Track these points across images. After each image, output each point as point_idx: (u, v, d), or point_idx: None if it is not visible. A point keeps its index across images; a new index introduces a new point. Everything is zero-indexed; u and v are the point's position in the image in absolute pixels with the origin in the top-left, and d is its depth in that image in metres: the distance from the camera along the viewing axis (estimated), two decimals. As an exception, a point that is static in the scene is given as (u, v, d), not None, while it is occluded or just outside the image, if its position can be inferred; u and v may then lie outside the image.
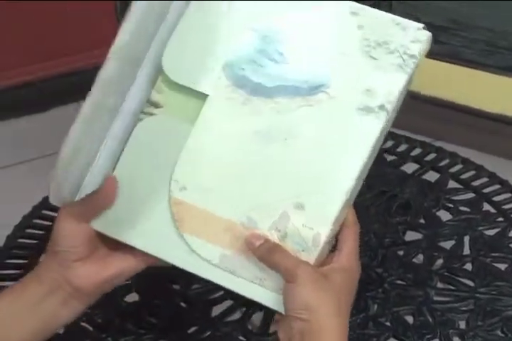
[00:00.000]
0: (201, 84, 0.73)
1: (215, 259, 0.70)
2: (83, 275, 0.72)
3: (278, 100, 0.71)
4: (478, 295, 0.90)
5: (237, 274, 0.70)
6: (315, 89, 0.70)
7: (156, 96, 0.75)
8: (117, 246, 0.74)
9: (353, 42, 0.71)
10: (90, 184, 0.72)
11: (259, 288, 0.70)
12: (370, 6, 0.72)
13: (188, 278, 0.90)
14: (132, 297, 0.91)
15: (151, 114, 0.74)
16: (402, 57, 0.70)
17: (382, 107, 0.69)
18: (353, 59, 0.70)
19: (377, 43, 0.70)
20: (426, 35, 0.71)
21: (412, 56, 0.70)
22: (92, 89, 0.71)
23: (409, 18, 0.72)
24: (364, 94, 0.70)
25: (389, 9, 0.71)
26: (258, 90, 0.71)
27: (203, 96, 0.73)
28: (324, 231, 0.69)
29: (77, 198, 0.72)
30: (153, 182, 0.73)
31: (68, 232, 0.72)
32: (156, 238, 0.72)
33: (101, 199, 0.73)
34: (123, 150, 0.74)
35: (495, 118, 1.94)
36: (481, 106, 1.95)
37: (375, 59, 0.70)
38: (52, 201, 0.72)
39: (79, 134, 0.71)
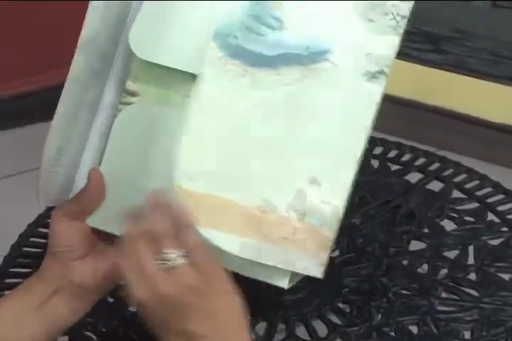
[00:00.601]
0: (183, 60, 0.68)
1: (235, 249, 0.67)
2: (83, 272, 0.72)
3: (280, 71, 0.66)
4: (482, 305, 0.90)
5: (262, 261, 0.66)
6: (318, 56, 0.66)
7: (131, 86, 0.72)
8: (114, 241, 0.72)
9: (349, 4, 0.67)
10: (81, 182, 0.72)
11: (286, 272, 0.67)
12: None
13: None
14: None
15: (129, 103, 0.72)
16: (395, 19, 0.67)
17: (381, 72, 0.67)
18: (350, 22, 0.67)
19: (372, 4, 0.67)
20: None
21: (403, 17, 0.67)
22: (65, 85, 0.70)
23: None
24: (365, 58, 0.67)
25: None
26: (256, 60, 0.66)
27: (183, 77, 0.69)
28: (341, 203, 0.66)
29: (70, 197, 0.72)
30: (146, 172, 0.70)
31: (63, 232, 0.72)
32: None
33: (89, 195, 0.72)
34: (106, 143, 0.72)
35: (499, 128, 1.94)
36: (485, 116, 1.95)
37: (372, 21, 0.67)
38: (41, 202, 0.72)
39: (59, 132, 0.70)
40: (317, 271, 0.67)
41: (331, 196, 0.66)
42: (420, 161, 1.13)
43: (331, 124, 0.66)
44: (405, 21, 0.68)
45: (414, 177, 1.10)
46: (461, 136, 1.97)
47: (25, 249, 1.00)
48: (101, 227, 0.72)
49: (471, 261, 0.97)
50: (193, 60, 0.69)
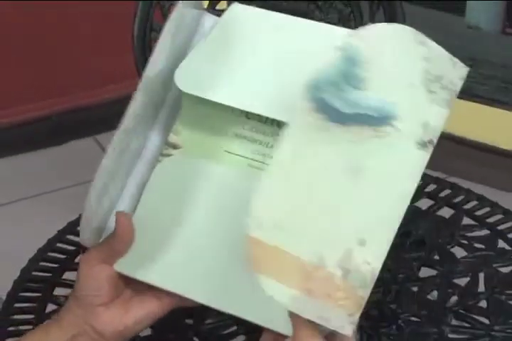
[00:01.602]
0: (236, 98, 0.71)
1: (285, 300, 0.66)
2: (107, 320, 0.70)
3: (352, 129, 0.67)
4: (493, 333, 0.89)
5: (304, 314, 0.66)
6: (385, 119, 0.68)
7: (173, 138, 0.74)
8: (142, 289, 0.72)
9: (418, 74, 0.69)
10: (112, 227, 0.72)
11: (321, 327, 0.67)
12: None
13: (201, 312, 0.89)
14: (145, 331, 0.91)
15: (169, 155, 0.74)
16: (451, 94, 0.70)
17: (431, 142, 0.69)
18: (416, 90, 0.69)
19: (435, 76, 0.69)
20: (466, 72, 0.71)
21: (456, 92, 0.70)
22: (120, 125, 0.70)
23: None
24: (421, 127, 0.69)
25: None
26: (336, 116, 0.67)
27: (222, 132, 0.72)
28: (378, 266, 0.67)
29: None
30: (179, 222, 0.72)
31: (91, 276, 0.70)
32: (187, 277, 0.71)
33: (119, 239, 0.71)
34: (143, 192, 0.74)
35: (509, 155, 1.94)
36: (496, 143, 1.95)
37: (432, 92, 0.69)
38: (81, 241, 0.72)
39: (105, 175, 0.70)
40: (348, 330, 0.67)
41: (372, 257, 0.67)
42: (431, 188, 1.13)
43: (385, 189, 0.68)
44: (455, 96, 0.71)
45: (424, 203, 1.09)
46: (472, 162, 1.97)
47: (34, 273, 1.00)
48: (129, 273, 0.72)
49: (481, 288, 0.96)
50: (266, 103, 0.72)
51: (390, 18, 1.21)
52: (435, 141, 0.69)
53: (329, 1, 1.22)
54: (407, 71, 0.70)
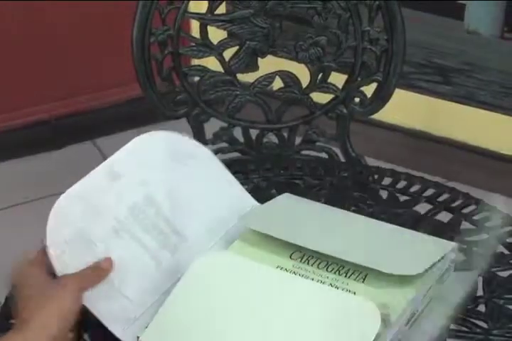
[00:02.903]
0: None
1: None
2: None
3: None
4: (492, 337, 0.89)
5: None
6: None
7: None
8: None
9: None
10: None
11: None
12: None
13: None
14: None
15: None
16: None
17: None
18: None
19: None
20: None
21: None
22: None
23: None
24: None
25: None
26: None
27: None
28: None
29: None
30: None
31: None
32: None
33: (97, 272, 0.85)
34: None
35: (508, 160, 1.94)
36: (494, 147, 1.95)
37: None
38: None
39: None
40: None
41: None
42: (429, 192, 1.13)
43: None
44: None
45: (423, 208, 1.09)
46: (470, 167, 1.97)
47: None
48: None
49: (480, 292, 0.96)
50: None
51: (390, 23, 1.21)
52: None
53: (328, 1, 1.22)
54: None
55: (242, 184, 1.13)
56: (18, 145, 2.13)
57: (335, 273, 0.88)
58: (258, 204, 1.01)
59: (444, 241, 0.93)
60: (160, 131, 0.97)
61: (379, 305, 0.84)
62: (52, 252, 0.86)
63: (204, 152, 1.00)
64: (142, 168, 0.94)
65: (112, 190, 0.91)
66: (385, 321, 0.83)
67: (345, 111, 1.26)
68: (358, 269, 0.88)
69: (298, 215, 0.97)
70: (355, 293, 0.86)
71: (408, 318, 0.85)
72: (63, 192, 0.90)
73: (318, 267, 0.89)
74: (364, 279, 0.87)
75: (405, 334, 0.85)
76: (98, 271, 0.85)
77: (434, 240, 0.94)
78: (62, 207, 0.88)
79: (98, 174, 0.91)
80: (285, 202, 1.01)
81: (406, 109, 1.93)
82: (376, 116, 1.29)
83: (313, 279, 0.87)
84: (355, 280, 0.87)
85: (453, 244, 0.93)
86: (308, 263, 0.89)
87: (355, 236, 0.94)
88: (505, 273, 0.99)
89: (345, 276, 0.88)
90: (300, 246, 0.91)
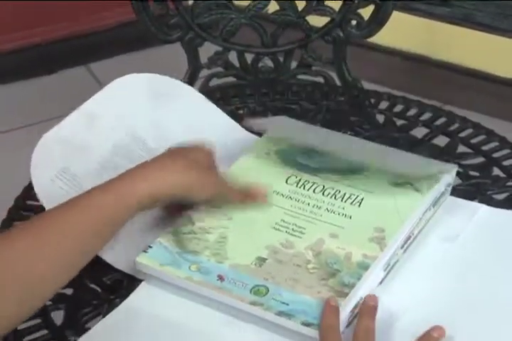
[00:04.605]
0: None
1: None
2: None
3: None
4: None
5: None
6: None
7: None
8: None
9: None
10: None
11: None
12: None
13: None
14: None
15: None
16: None
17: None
18: None
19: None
20: None
21: None
22: None
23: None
24: None
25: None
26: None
27: None
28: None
29: None
30: None
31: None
32: None
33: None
34: None
35: (506, 83, 1.93)
36: (492, 71, 1.94)
37: None
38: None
39: None
40: None
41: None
42: (426, 116, 1.12)
43: None
44: None
45: (420, 132, 1.09)
46: (467, 90, 1.96)
47: (28, 201, 1.00)
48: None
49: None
50: None
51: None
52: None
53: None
54: None
55: (238, 109, 1.13)
56: (8, 69, 2.10)
57: (331, 197, 0.88)
58: (247, 132, 1.01)
59: (442, 163, 0.93)
60: (139, 73, 0.98)
61: (375, 228, 0.84)
62: (39, 190, 0.86)
63: (187, 89, 0.99)
64: (122, 108, 0.95)
65: (93, 129, 0.92)
66: (381, 244, 0.83)
67: (341, 34, 1.24)
68: (355, 193, 0.89)
69: (295, 138, 0.97)
70: (351, 217, 0.86)
71: (403, 241, 0.85)
72: (57, 118, 0.90)
73: (314, 191, 0.89)
74: (360, 203, 0.88)
75: (401, 257, 0.86)
76: None
77: (432, 162, 0.94)
78: (41, 152, 0.89)
79: (76, 117, 0.91)
80: (282, 125, 1.00)
81: (404, 32, 1.90)
82: (373, 40, 1.27)
83: (309, 204, 0.88)
84: (351, 204, 0.88)
85: (452, 166, 0.93)
86: (304, 188, 0.89)
87: (352, 157, 0.94)
88: (500, 196, 0.99)
89: (342, 200, 0.88)
90: (296, 171, 0.91)
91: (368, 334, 0.76)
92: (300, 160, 0.93)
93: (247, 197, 0.87)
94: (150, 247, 0.83)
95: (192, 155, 0.83)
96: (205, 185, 0.83)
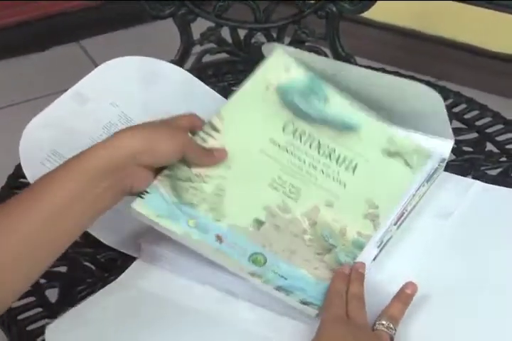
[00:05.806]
0: None
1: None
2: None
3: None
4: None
5: None
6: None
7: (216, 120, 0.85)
8: None
9: None
10: None
11: None
12: None
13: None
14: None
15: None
16: None
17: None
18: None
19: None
20: None
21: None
22: None
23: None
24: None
25: None
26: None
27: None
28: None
29: None
30: None
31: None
32: None
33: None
34: None
35: (500, 58, 1.93)
36: (486, 46, 1.93)
37: None
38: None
39: None
40: None
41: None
42: (420, 91, 1.12)
43: None
44: None
45: (413, 107, 1.09)
46: (461, 65, 1.96)
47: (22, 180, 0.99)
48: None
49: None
50: None
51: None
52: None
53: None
54: None
55: (231, 85, 1.13)
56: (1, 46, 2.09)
57: (326, 157, 0.87)
58: None
59: (438, 138, 0.92)
60: (128, 56, 0.97)
61: (368, 203, 0.84)
62: (29, 173, 0.86)
63: (178, 71, 0.99)
64: (111, 90, 0.94)
65: (82, 112, 0.91)
66: (374, 221, 0.83)
67: (334, 9, 1.23)
68: (348, 156, 0.88)
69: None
70: (345, 186, 0.86)
71: (397, 218, 0.86)
72: (50, 95, 0.90)
73: (310, 147, 0.87)
74: (354, 170, 0.87)
75: (394, 233, 0.86)
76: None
77: (427, 138, 0.93)
78: (31, 135, 0.88)
79: (65, 99, 0.91)
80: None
81: (397, 7, 1.89)
82: (366, 15, 1.26)
83: (305, 162, 0.86)
84: (346, 169, 0.87)
85: (447, 141, 0.92)
86: (300, 141, 0.87)
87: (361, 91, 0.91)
88: (494, 172, 0.99)
89: (336, 163, 0.87)
90: (293, 116, 0.88)
91: (358, 301, 0.77)
92: (297, 102, 0.88)
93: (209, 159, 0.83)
94: (147, 192, 0.79)
95: (173, 122, 0.81)
96: (170, 143, 0.78)
